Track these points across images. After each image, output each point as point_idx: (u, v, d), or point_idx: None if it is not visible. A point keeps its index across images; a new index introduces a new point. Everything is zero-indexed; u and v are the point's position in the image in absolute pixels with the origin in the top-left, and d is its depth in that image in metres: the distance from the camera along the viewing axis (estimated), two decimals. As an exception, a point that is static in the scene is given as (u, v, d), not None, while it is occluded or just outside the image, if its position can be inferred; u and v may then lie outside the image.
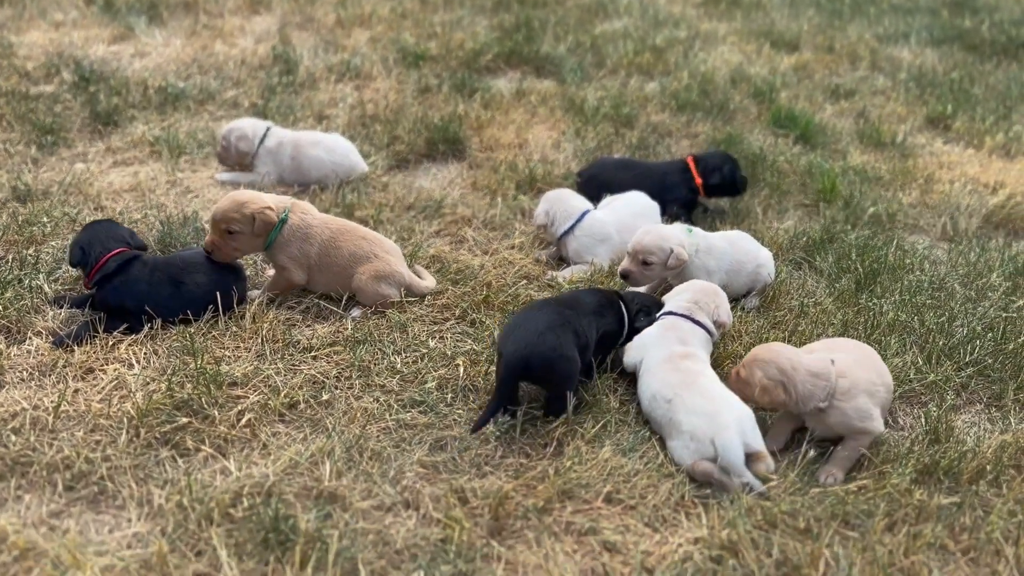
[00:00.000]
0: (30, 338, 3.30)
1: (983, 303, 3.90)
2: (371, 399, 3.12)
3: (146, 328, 3.36)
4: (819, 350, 3.09)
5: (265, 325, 3.42)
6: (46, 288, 3.57)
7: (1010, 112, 6.26)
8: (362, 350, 3.33)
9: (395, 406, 3.08)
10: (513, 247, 4.21)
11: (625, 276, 3.72)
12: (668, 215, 4.37)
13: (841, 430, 2.94)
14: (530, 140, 5.33)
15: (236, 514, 2.57)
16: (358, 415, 3.03)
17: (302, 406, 3.07)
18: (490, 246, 4.20)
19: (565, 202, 4.15)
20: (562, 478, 2.77)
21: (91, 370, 3.17)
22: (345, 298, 3.65)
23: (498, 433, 2.95)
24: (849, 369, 2.97)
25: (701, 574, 2.51)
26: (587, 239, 4.07)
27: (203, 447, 2.85)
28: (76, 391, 3.06)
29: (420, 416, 3.05)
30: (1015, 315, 3.78)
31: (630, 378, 3.26)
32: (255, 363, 3.23)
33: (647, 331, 3.28)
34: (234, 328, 3.42)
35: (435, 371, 3.26)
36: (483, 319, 3.56)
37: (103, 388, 3.07)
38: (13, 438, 2.80)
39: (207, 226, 4.07)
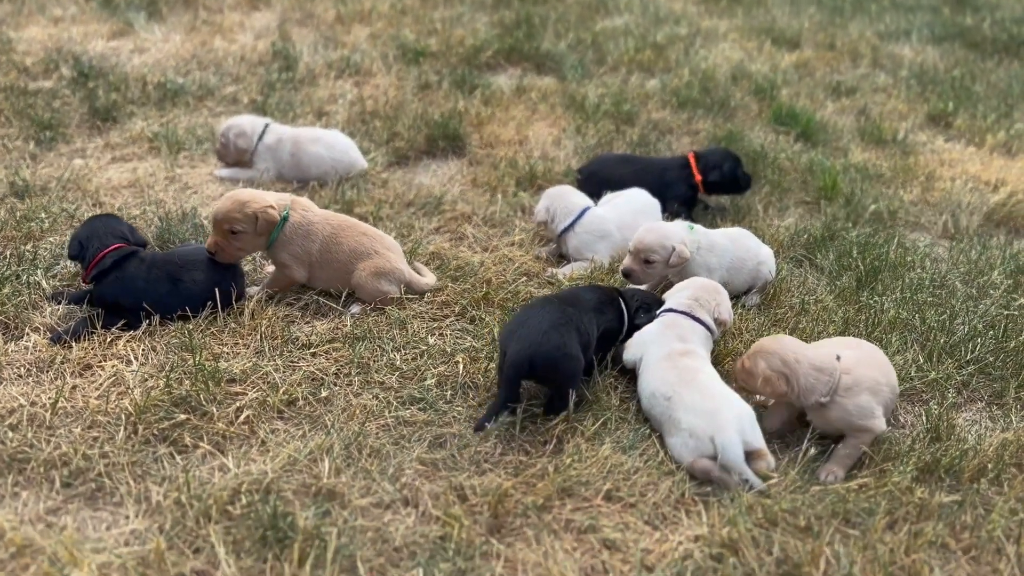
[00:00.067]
0: (28, 334, 3.29)
1: (984, 301, 3.89)
2: (370, 396, 3.11)
3: (144, 324, 3.35)
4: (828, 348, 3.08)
5: (264, 322, 3.41)
6: (44, 284, 3.55)
7: (1011, 110, 6.25)
8: (361, 347, 3.32)
9: (394, 403, 3.08)
10: (513, 244, 4.19)
11: (627, 275, 3.71)
12: (668, 212, 4.36)
13: (841, 426, 2.94)
14: (530, 137, 5.32)
15: (234, 511, 2.56)
16: (357, 412, 3.02)
17: (301, 403, 3.06)
18: (490, 243, 4.19)
19: (566, 199, 4.14)
20: (562, 475, 2.76)
21: (89, 366, 3.16)
22: (344, 294, 3.64)
23: (498, 431, 2.94)
24: (854, 366, 2.96)
25: (701, 572, 2.50)
26: (587, 236, 4.05)
27: (201, 444, 2.84)
28: (74, 387, 3.05)
29: (419, 413, 3.04)
30: (1016, 313, 3.77)
31: (630, 376, 3.25)
32: (254, 360, 3.22)
33: (647, 328, 3.27)
34: (233, 325, 3.41)
35: (434, 368, 3.25)
36: (483, 316, 3.55)
37: (101, 384, 3.06)
38: (10, 434, 2.79)
39: (206, 222, 4.07)
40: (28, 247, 3.80)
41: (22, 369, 3.13)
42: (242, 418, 2.94)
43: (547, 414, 3.03)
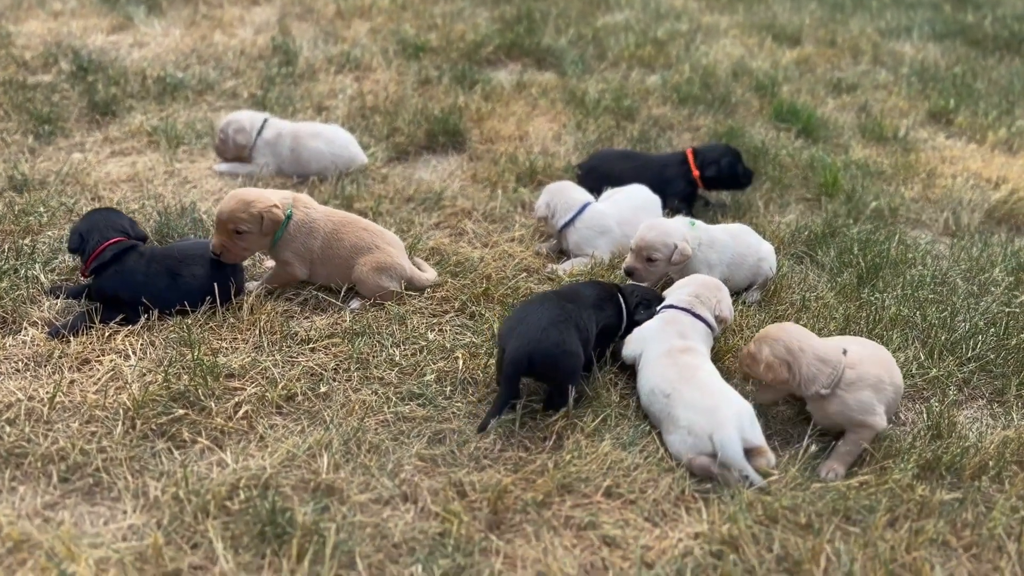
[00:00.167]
0: (26, 328, 3.28)
1: (985, 298, 3.88)
2: (369, 391, 3.10)
3: (143, 319, 3.34)
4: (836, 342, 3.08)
5: (263, 317, 3.40)
6: (42, 278, 3.54)
7: (1012, 107, 6.24)
8: (360, 342, 3.31)
9: (393, 399, 3.07)
10: (513, 240, 4.18)
11: (630, 273, 3.69)
12: (668, 208, 4.35)
13: (841, 420, 2.93)
14: (531, 132, 5.31)
15: (232, 506, 2.55)
16: (356, 407, 3.01)
17: (300, 398, 3.05)
18: (490, 238, 4.18)
19: (566, 194, 4.12)
20: (561, 472, 2.75)
21: (87, 361, 3.15)
22: (344, 290, 3.62)
23: (497, 427, 2.93)
24: (859, 362, 2.95)
25: (701, 569, 2.49)
26: (588, 231, 4.04)
27: (199, 439, 2.83)
28: (72, 382, 3.04)
29: (419, 409, 3.03)
30: (1017, 310, 3.77)
31: (630, 372, 3.24)
32: (252, 355, 3.21)
33: (647, 324, 3.26)
34: (232, 320, 3.40)
35: (434, 364, 3.24)
36: (483, 312, 3.54)
37: (99, 379, 3.05)
38: (8, 429, 2.78)
39: (205, 217, 4.06)
40: (26, 241, 3.79)
41: (20, 363, 3.12)
42: (241, 413, 2.93)
43: (547, 410, 3.02)
